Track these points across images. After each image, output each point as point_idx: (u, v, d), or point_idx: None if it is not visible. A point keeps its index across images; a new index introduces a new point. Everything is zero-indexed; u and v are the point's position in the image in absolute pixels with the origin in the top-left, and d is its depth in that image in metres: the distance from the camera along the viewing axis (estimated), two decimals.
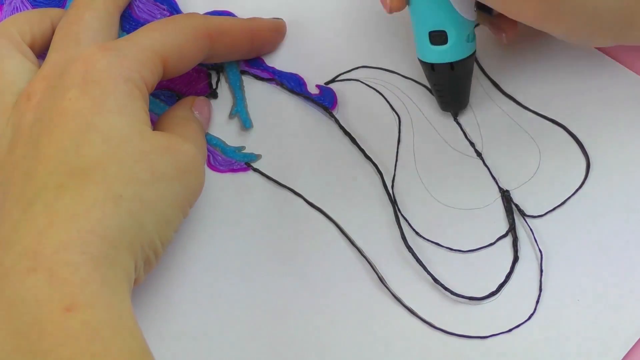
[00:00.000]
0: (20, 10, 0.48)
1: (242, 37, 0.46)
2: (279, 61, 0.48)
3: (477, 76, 0.46)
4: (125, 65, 0.39)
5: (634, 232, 0.41)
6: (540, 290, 0.40)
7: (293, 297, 0.41)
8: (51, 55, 0.41)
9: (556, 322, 0.39)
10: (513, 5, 0.38)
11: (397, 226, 0.42)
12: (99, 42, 0.41)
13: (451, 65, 0.42)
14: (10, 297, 0.33)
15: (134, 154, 0.37)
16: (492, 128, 0.45)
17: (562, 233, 0.41)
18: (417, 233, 0.42)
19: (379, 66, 0.47)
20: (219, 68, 0.48)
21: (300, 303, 0.41)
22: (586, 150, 0.43)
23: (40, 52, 0.43)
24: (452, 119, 0.45)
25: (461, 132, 0.45)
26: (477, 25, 0.43)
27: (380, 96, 0.46)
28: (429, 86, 0.45)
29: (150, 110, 0.43)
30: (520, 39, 0.45)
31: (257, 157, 0.45)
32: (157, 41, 0.41)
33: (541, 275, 0.41)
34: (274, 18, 0.48)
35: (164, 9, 0.48)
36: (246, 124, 0.46)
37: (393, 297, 0.41)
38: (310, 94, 0.46)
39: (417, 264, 0.41)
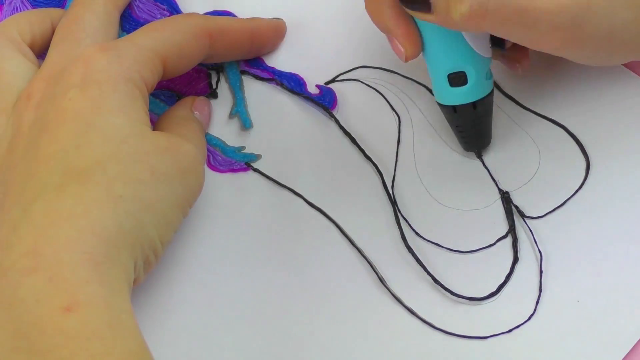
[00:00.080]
0: (20, 10, 0.48)
1: (242, 37, 0.46)
2: (279, 61, 0.48)
3: None
4: (125, 65, 0.39)
5: (633, 232, 0.41)
6: (540, 290, 0.40)
7: (293, 297, 0.41)
8: (51, 55, 0.41)
9: (556, 323, 0.39)
10: (536, 37, 0.37)
11: (397, 226, 0.42)
12: (99, 42, 0.41)
13: (474, 104, 0.41)
14: (10, 296, 0.33)
15: (133, 154, 0.37)
16: (493, 129, 0.44)
17: (562, 234, 0.41)
18: (417, 233, 0.42)
19: (379, 66, 0.47)
20: (219, 68, 0.48)
21: (300, 303, 0.41)
22: (586, 150, 0.43)
23: (40, 52, 0.43)
24: None
25: None
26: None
27: (380, 96, 0.46)
28: (451, 128, 0.44)
29: (150, 110, 0.43)
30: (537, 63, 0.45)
31: (257, 157, 0.45)
32: (157, 41, 0.41)
33: (541, 275, 0.41)
34: (274, 18, 0.48)
35: (164, 9, 0.48)
36: (246, 124, 0.46)
37: (393, 297, 0.41)
38: (310, 94, 0.46)
39: (417, 265, 0.41)
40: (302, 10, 0.49)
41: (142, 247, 0.37)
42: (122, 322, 0.33)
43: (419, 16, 0.39)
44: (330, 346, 0.40)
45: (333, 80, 0.47)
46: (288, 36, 0.49)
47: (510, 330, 0.40)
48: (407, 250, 0.41)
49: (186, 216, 0.40)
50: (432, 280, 0.41)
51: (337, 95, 0.46)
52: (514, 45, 0.43)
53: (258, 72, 0.48)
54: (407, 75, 0.47)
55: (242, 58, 0.48)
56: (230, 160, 0.45)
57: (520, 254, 0.41)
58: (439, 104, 0.42)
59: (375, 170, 0.44)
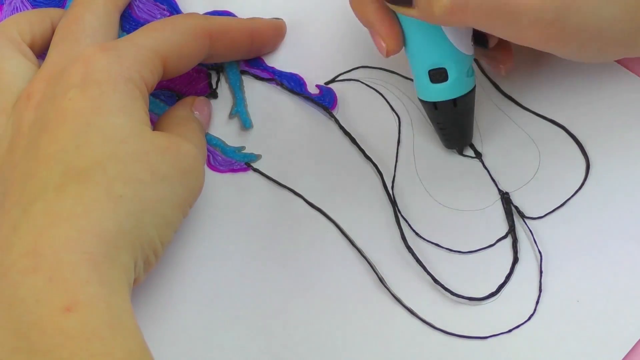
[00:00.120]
0: (20, 10, 0.48)
1: (242, 37, 0.46)
2: (279, 61, 0.48)
3: (477, 77, 0.46)
4: (125, 65, 0.39)
5: (633, 232, 0.41)
6: (540, 291, 0.40)
7: (293, 297, 0.41)
8: (51, 55, 0.41)
9: (556, 323, 0.39)
10: (518, 31, 0.37)
11: (397, 227, 0.42)
12: (99, 42, 0.41)
13: (454, 101, 0.41)
14: (10, 296, 0.33)
15: (133, 154, 0.37)
16: (492, 129, 0.45)
17: (561, 234, 0.41)
18: (417, 234, 0.42)
19: (379, 66, 0.47)
20: (219, 68, 0.48)
21: (300, 303, 0.41)
22: (586, 151, 0.43)
23: (40, 52, 0.43)
24: None
25: None
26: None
27: (380, 96, 0.46)
28: (432, 125, 0.44)
29: (150, 110, 0.43)
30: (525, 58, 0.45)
31: (257, 157, 0.45)
32: (157, 41, 0.41)
33: (541, 276, 0.41)
34: (274, 18, 0.48)
35: (164, 9, 0.48)
36: (246, 124, 0.46)
37: (393, 297, 0.41)
38: (310, 94, 0.46)
39: (417, 265, 0.41)
40: (302, 10, 0.49)
41: (142, 247, 0.37)
42: (122, 322, 0.33)
43: (400, 11, 0.39)
44: (330, 346, 0.40)
45: (333, 80, 0.47)
46: (288, 36, 0.49)
47: (510, 330, 0.40)
48: (407, 250, 0.41)
49: (186, 216, 0.40)
50: (432, 281, 0.41)
51: (337, 95, 0.46)
52: (498, 45, 0.43)
53: (258, 72, 0.48)
54: (407, 75, 0.47)
55: (242, 58, 0.48)
56: (230, 160, 0.45)
57: (520, 254, 0.41)
58: (420, 100, 0.43)
59: (375, 170, 0.44)
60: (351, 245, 0.42)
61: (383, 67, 0.47)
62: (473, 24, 0.38)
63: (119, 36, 0.45)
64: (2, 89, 0.40)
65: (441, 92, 0.41)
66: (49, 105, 0.38)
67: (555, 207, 0.42)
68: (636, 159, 0.43)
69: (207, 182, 0.42)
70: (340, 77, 0.47)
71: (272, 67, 0.48)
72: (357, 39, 0.48)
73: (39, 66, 0.41)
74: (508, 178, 0.43)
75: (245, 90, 0.47)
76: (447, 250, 0.42)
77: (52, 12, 0.44)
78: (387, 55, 0.40)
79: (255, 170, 0.45)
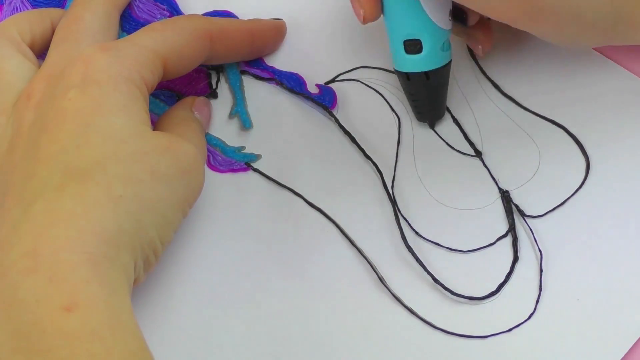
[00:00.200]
0: (20, 10, 0.48)
1: (243, 39, 0.46)
2: (279, 61, 0.48)
3: (477, 77, 0.46)
4: (126, 65, 0.39)
5: (633, 231, 0.41)
6: (540, 290, 0.40)
7: (293, 297, 0.41)
8: (51, 55, 0.41)
9: (556, 322, 0.39)
10: (493, 5, 0.37)
11: (397, 226, 0.42)
12: (99, 42, 0.41)
13: (426, 74, 0.42)
14: (10, 297, 0.33)
15: (134, 154, 0.37)
16: (492, 128, 0.45)
17: (562, 233, 0.41)
18: (417, 233, 0.42)
19: (379, 66, 0.47)
20: (219, 68, 0.48)
21: (300, 303, 0.41)
22: (586, 150, 0.43)
23: (40, 52, 0.43)
24: (451, 119, 0.45)
25: (461, 133, 0.45)
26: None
27: (380, 96, 0.46)
28: (405, 96, 0.44)
29: (150, 110, 0.43)
30: (515, 41, 0.45)
31: (257, 157, 0.45)
32: (158, 42, 0.41)
33: (541, 275, 0.41)
34: (274, 18, 0.48)
35: (164, 9, 0.48)
36: (246, 124, 0.46)
37: (393, 297, 0.41)
38: (310, 93, 0.46)
39: (417, 264, 0.41)
40: (302, 10, 0.49)
41: (142, 247, 0.37)
42: (122, 322, 0.33)
43: None
44: (330, 346, 0.40)
45: (333, 80, 0.47)
46: (288, 36, 0.49)
47: (510, 330, 0.40)
48: (407, 249, 0.41)
49: (186, 216, 0.40)
50: (432, 280, 0.41)
51: (337, 94, 0.46)
52: (478, 24, 0.43)
53: (258, 72, 0.48)
54: None
55: (242, 59, 0.48)
56: (230, 160, 0.45)
57: (520, 253, 0.41)
58: (395, 70, 0.43)
59: (375, 169, 0.44)
60: (351, 245, 0.42)
61: (383, 67, 0.47)
62: None
63: (119, 36, 0.45)
64: (2, 89, 0.40)
65: (414, 64, 0.42)
66: (49, 105, 0.38)
67: (556, 205, 0.42)
68: (636, 159, 0.43)
69: (207, 182, 0.42)
70: (340, 77, 0.47)
71: (272, 67, 0.48)
72: (357, 39, 0.48)
73: (39, 66, 0.41)
74: (508, 177, 0.43)
75: (245, 90, 0.47)
76: (447, 250, 0.42)
77: (52, 12, 0.44)
78: (364, 22, 0.41)
79: (255, 170, 0.45)
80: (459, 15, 0.42)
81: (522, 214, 0.42)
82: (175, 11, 0.49)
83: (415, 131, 0.45)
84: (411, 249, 0.41)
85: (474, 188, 0.43)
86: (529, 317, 0.40)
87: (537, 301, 0.40)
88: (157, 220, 0.37)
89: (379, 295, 0.41)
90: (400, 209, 0.43)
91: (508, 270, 0.41)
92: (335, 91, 0.46)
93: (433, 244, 0.42)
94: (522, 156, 0.44)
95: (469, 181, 0.43)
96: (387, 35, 0.42)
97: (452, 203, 0.43)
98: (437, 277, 0.41)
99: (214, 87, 0.47)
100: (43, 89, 0.39)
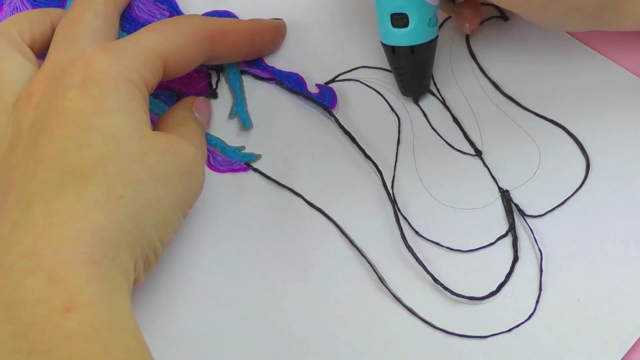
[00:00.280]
0: (20, 10, 0.48)
1: (243, 39, 0.46)
2: (279, 61, 0.48)
3: (477, 77, 0.46)
4: (126, 65, 0.39)
5: (633, 231, 0.41)
6: (540, 290, 0.40)
7: (293, 297, 0.41)
8: (51, 55, 0.41)
9: (556, 322, 0.39)
10: None
11: (397, 226, 0.42)
12: (99, 42, 0.41)
13: (412, 49, 0.43)
14: (10, 297, 0.33)
15: (133, 154, 0.37)
16: (492, 128, 0.45)
17: (562, 233, 0.41)
18: (417, 233, 0.42)
19: (379, 66, 0.47)
20: (219, 68, 0.48)
21: (300, 303, 0.41)
22: (586, 150, 0.43)
23: (40, 52, 0.43)
24: (451, 119, 0.45)
25: (461, 132, 0.45)
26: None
27: (380, 96, 0.46)
28: (391, 69, 0.45)
29: (150, 110, 0.43)
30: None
31: (257, 157, 0.45)
32: (158, 42, 0.41)
33: (541, 275, 0.41)
34: (274, 18, 0.48)
35: (164, 9, 0.49)
36: (246, 124, 0.46)
37: (393, 297, 0.41)
38: (310, 93, 0.46)
39: (417, 264, 0.41)
40: (302, 11, 0.49)
41: (142, 248, 0.37)
42: (122, 322, 0.33)
43: None
44: (330, 346, 0.40)
45: (333, 80, 0.47)
46: (288, 36, 0.49)
47: (510, 330, 0.40)
48: (407, 249, 0.41)
49: (186, 216, 0.40)
50: (432, 280, 0.41)
51: (337, 94, 0.46)
52: (467, 1, 0.44)
53: (258, 72, 0.48)
54: None
55: (242, 59, 0.48)
56: (230, 160, 0.45)
57: (520, 253, 0.41)
58: (381, 43, 0.43)
59: (375, 170, 0.44)
60: (351, 245, 0.42)
61: (383, 67, 0.47)
62: None
63: (119, 36, 0.45)
64: (2, 89, 0.40)
65: (400, 37, 0.42)
66: (49, 105, 0.38)
67: (556, 205, 0.42)
68: (636, 158, 0.43)
69: (207, 182, 0.42)
70: (340, 77, 0.47)
71: (272, 67, 0.48)
72: (357, 39, 0.48)
73: (39, 66, 0.41)
74: (508, 176, 0.43)
75: (245, 90, 0.47)
76: (447, 249, 0.42)
77: (52, 12, 0.44)
78: None
79: (255, 170, 0.45)
80: None
81: (522, 213, 0.42)
82: (175, 11, 0.49)
83: (415, 131, 0.45)
84: (411, 248, 0.41)
85: (473, 188, 0.43)
86: (529, 317, 0.40)
87: (537, 301, 0.40)
88: (157, 220, 0.37)
89: (379, 295, 0.41)
90: (400, 209, 0.43)
91: (508, 270, 0.41)
92: (335, 91, 0.46)
93: (433, 244, 0.42)
94: (522, 156, 0.44)
95: (468, 181, 0.43)
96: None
97: (452, 203, 0.43)
98: (437, 277, 0.41)
99: (214, 87, 0.47)
100: (43, 89, 0.39)
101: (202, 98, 0.46)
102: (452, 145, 0.45)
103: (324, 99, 0.46)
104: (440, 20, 0.46)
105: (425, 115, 0.46)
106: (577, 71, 0.45)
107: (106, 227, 0.35)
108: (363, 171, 0.44)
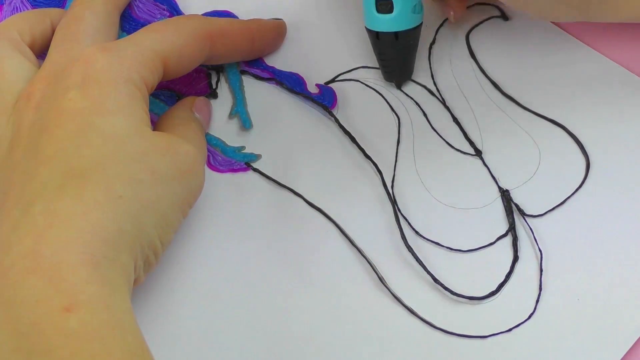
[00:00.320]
0: (20, 11, 0.48)
1: (243, 39, 0.46)
2: (279, 61, 0.48)
3: (477, 77, 0.46)
4: (126, 65, 0.39)
5: (633, 231, 0.41)
6: (540, 289, 0.40)
7: (293, 297, 0.41)
8: (51, 56, 0.41)
9: (556, 322, 0.39)
10: None
11: (397, 226, 0.42)
12: (99, 43, 0.41)
13: (396, 35, 0.43)
14: (10, 297, 0.33)
15: (133, 154, 0.37)
16: (492, 128, 0.45)
17: (562, 232, 0.41)
18: (417, 233, 0.42)
19: (379, 66, 0.47)
20: (219, 68, 0.48)
21: (300, 303, 0.41)
22: (586, 150, 0.43)
23: (40, 52, 0.43)
24: (451, 118, 0.45)
25: (461, 132, 0.45)
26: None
27: (380, 96, 0.46)
28: (375, 55, 0.45)
29: (150, 110, 0.43)
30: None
31: (257, 157, 0.45)
32: (158, 42, 0.41)
33: (541, 274, 0.41)
34: (274, 18, 0.48)
35: (164, 9, 0.49)
36: (246, 124, 0.46)
37: (393, 297, 0.41)
38: (310, 93, 0.46)
39: (417, 264, 0.41)
40: (302, 11, 0.49)
41: (142, 248, 0.37)
42: (122, 322, 0.33)
43: None
44: (330, 346, 0.40)
45: (333, 80, 0.47)
46: (288, 36, 0.49)
47: (510, 330, 0.40)
48: (407, 249, 0.41)
49: (186, 216, 0.40)
50: (432, 280, 0.41)
51: (337, 94, 0.46)
52: None
53: (258, 72, 0.48)
54: None
55: (242, 59, 0.48)
56: (230, 160, 0.45)
57: (520, 253, 0.41)
58: (366, 28, 0.44)
59: (375, 169, 0.44)
60: (351, 245, 0.42)
61: None
62: None
63: (119, 36, 0.45)
64: (2, 89, 0.40)
65: (385, 23, 0.43)
66: (49, 105, 0.38)
67: (556, 205, 0.42)
68: (636, 158, 0.43)
69: (207, 182, 0.42)
70: (340, 77, 0.47)
71: (272, 67, 0.48)
72: (357, 39, 0.48)
73: (39, 66, 0.41)
74: (508, 176, 0.43)
75: (245, 90, 0.47)
76: (447, 249, 0.42)
77: (52, 12, 0.44)
78: None
79: (255, 170, 0.45)
80: None
81: (522, 213, 0.42)
82: (175, 11, 0.49)
83: (415, 131, 0.45)
84: (411, 248, 0.41)
85: (473, 187, 0.43)
86: (529, 317, 0.40)
87: (537, 301, 0.40)
88: (157, 220, 0.37)
89: (379, 295, 0.41)
90: (400, 209, 0.43)
91: (508, 270, 0.41)
92: (335, 91, 0.46)
93: (433, 244, 0.42)
94: (522, 155, 0.44)
95: (468, 180, 0.43)
96: None
97: (452, 202, 0.43)
98: (437, 276, 0.41)
99: (214, 87, 0.47)
100: (43, 89, 0.39)
101: (202, 98, 0.46)
102: (452, 145, 0.45)
103: (324, 99, 0.46)
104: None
105: (425, 115, 0.46)
106: (577, 71, 0.45)
107: (106, 227, 0.35)
108: (363, 171, 0.44)
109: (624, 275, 0.40)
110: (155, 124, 0.43)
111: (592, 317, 0.39)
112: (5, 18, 0.47)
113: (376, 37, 0.44)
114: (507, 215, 0.42)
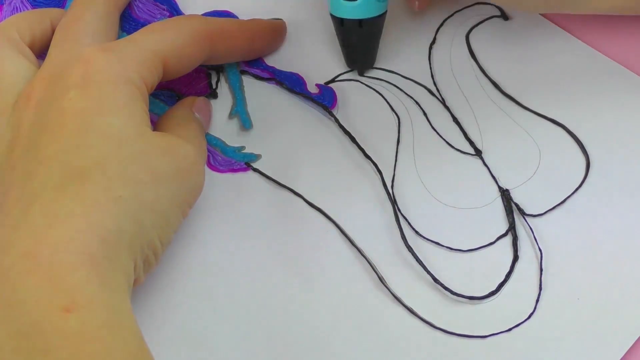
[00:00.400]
0: (20, 11, 0.48)
1: (243, 40, 0.46)
2: (279, 61, 0.48)
3: (477, 76, 0.46)
4: (125, 65, 0.39)
5: (633, 230, 0.41)
6: (540, 289, 0.40)
7: (293, 297, 0.41)
8: (51, 56, 0.41)
9: (556, 321, 0.39)
10: None
11: (397, 226, 0.42)
12: (99, 43, 0.41)
13: (360, 22, 0.43)
14: (10, 297, 0.33)
15: (133, 154, 0.37)
16: (492, 128, 0.45)
17: (562, 232, 0.41)
18: (417, 232, 0.42)
19: (379, 66, 0.47)
20: (219, 68, 0.48)
21: (300, 303, 0.41)
22: (586, 149, 0.43)
23: (40, 52, 0.43)
24: (451, 118, 0.45)
25: (461, 132, 0.45)
26: None
27: (380, 96, 0.46)
28: (338, 41, 0.46)
29: (150, 111, 0.43)
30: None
31: (257, 157, 0.45)
32: (158, 42, 0.41)
33: (541, 274, 0.41)
34: (274, 18, 0.48)
35: (164, 9, 0.49)
36: (246, 124, 0.46)
37: (393, 297, 0.41)
38: (310, 93, 0.46)
39: (417, 264, 0.41)
40: (302, 11, 0.49)
41: (142, 248, 0.37)
42: (122, 322, 0.33)
43: None
44: (330, 345, 0.40)
45: (333, 80, 0.47)
46: (288, 36, 0.49)
47: (510, 329, 0.39)
48: (407, 249, 0.41)
49: (186, 216, 0.40)
50: (432, 280, 0.41)
51: (337, 94, 0.46)
52: None
53: (258, 72, 0.48)
54: (407, 75, 0.47)
55: (242, 59, 0.48)
56: (230, 160, 0.45)
57: (520, 252, 0.41)
58: (330, 14, 0.44)
59: (375, 169, 0.44)
60: (351, 245, 0.42)
61: (383, 67, 0.47)
62: None
63: (119, 36, 0.45)
64: (2, 89, 0.40)
65: (349, 10, 0.43)
66: (49, 105, 0.38)
67: (556, 204, 0.42)
68: (636, 157, 0.43)
69: (207, 182, 0.42)
70: (340, 77, 0.47)
71: (272, 67, 0.48)
72: None
73: (39, 66, 0.41)
74: (508, 175, 0.43)
75: (245, 90, 0.47)
76: (447, 249, 0.42)
77: (52, 12, 0.44)
78: None
79: (255, 170, 0.45)
80: None
81: (522, 212, 0.42)
82: (175, 11, 0.49)
83: (415, 131, 0.45)
84: (411, 248, 0.41)
85: (473, 187, 0.43)
86: (529, 317, 0.40)
87: (537, 300, 0.40)
88: (157, 220, 0.37)
89: (379, 295, 0.41)
90: (400, 209, 0.43)
91: (508, 269, 0.41)
92: (335, 91, 0.46)
93: (433, 244, 0.42)
94: (522, 155, 0.44)
95: (468, 180, 0.43)
96: None
97: (452, 202, 0.43)
98: (437, 276, 0.41)
99: (214, 87, 0.47)
100: (43, 89, 0.39)
101: (202, 98, 0.46)
102: (452, 145, 0.45)
103: (324, 99, 0.46)
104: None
105: (425, 115, 0.46)
106: (577, 71, 0.45)
107: (106, 228, 0.35)
108: (363, 171, 0.44)
109: (624, 274, 0.40)
110: (155, 124, 0.43)
111: (592, 316, 0.39)
112: (5, 18, 0.47)
113: (340, 24, 0.44)
114: (507, 214, 0.42)
